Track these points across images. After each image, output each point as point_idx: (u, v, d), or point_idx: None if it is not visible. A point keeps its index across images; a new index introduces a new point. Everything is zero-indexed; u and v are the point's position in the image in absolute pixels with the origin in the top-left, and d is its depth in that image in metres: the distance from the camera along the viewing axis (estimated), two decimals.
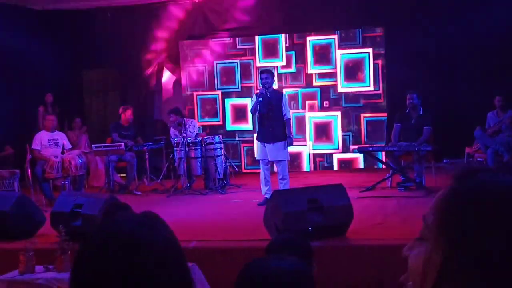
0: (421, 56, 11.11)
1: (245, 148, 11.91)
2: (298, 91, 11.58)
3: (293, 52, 11.64)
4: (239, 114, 12.10)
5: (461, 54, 10.95)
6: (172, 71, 12.46)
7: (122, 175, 10.53)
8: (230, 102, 12.08)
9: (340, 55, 11.51)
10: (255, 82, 11.73)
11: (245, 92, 11.96)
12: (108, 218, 1.29)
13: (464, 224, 0.96)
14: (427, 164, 9.15)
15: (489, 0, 10.79)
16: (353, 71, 11.51)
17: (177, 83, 12.40)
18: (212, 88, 12.24)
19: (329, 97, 11.54)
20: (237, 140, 11.96)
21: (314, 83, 11.60)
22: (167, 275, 1.17)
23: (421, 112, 9.12)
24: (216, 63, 12.14)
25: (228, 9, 11.75)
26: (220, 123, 12.16)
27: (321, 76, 11.59)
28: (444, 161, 10.41)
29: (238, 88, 12.09)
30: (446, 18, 10.97)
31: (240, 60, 12.04)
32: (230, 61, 12.14)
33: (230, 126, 12.05)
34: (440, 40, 10.99)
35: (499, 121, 8.78)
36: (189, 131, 10.01)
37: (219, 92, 12.19)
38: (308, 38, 11.63)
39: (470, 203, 0.97)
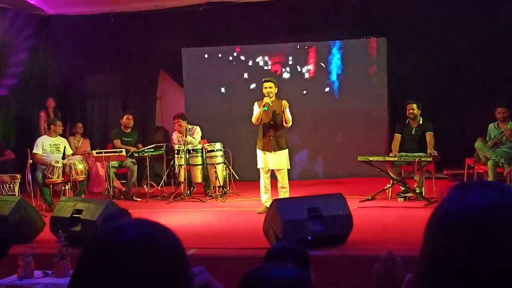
0: (423, 67, 11.15)
1: None
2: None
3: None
4: None
5: (463, 64, 10.99)
6: (174, 78, 12.47)
7: (122, 181, 10.53)
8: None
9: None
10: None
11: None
12: (107, 224, 1.25)
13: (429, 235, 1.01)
14: (427, 175, 9.15)
15: (492, 11, 10.82)
16: None
17: (178, 90, 12.40)
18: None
19: None
20: None
21: None
22: (170, 282, 1.14)
23: (421, 122, 9.12)
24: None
25: (231, 18, 11.78)
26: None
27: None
28: (444, 171, 10.42)
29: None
30: (448, 29, 11.00)
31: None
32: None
33: None
34: (442, 51, 11.02)
35: (500, 133, 8.77)
36: (194, 137, 10.03)
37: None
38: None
39: (434, 220, 1.01)
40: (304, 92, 11.54)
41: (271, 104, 8.18)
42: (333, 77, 11.57)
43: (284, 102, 8.17)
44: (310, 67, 11.59)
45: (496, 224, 0.92)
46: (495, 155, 8.55)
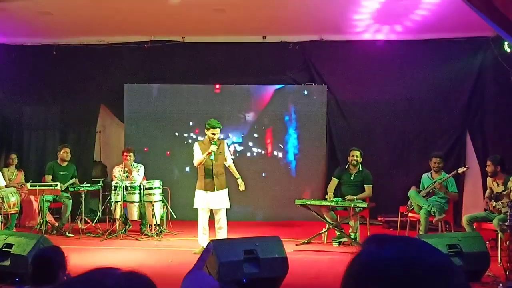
0: (361, 116, 11.44)
1: None
2: None
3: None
4: None
5: (399, 114, 11.33)
6: (115, 113, 12.34)
7: (56, 216, 10.27)
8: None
9: None
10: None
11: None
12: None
13: None
14: (362, 220, 9.32)
15: (427, 68, 11.27)
16: None
17: (119, 125, 12.27)
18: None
19: None
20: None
21: None
22: None
23: (360, 169, 9.32)
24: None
25: (175, 57, 11.83)
26: None
27: None
28: (379, 218, 10.64)
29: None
30: (386, 81, 11.36)
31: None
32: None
33: None
34: (380, 101, 11.35)
35: (433, 183, 9.03)
36: (138, 174, 9.92)
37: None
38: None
39: (350, 275, 1.05)
40: (242, 135, 11.66)
41: (216, 151, 8.15)
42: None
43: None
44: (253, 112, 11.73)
45: (410, 277, 0.94)
46: (427, 204, 8.79)
